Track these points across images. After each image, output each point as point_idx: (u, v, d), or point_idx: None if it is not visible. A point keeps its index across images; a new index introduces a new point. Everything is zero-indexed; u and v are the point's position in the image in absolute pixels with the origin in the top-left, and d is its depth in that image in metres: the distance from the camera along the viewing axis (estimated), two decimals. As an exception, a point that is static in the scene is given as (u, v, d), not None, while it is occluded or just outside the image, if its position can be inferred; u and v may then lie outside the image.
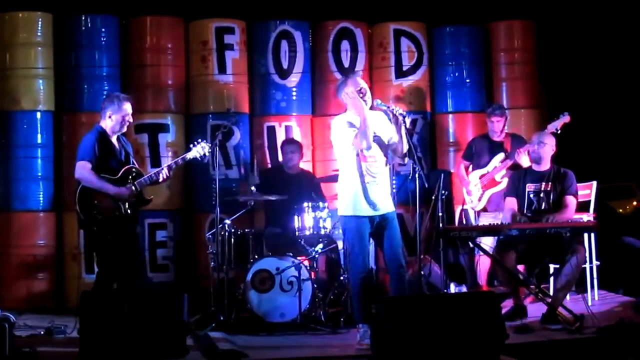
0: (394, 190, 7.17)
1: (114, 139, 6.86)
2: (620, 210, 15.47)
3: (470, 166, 8.42)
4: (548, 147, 7.35)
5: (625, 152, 15.08)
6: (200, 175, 8.56)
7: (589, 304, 7.39)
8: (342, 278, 7.50)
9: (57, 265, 8.47)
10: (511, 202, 7.33)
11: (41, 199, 8.40)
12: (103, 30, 8.58)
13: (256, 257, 7.39)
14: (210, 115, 8.69)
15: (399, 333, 5.57)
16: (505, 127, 8.39)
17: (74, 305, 7.82)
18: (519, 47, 9.30)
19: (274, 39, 8.90)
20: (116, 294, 6.47)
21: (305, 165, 8.65)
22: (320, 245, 7.49)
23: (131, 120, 6.90)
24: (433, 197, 7.52)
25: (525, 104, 9.26)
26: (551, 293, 7.36)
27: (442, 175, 7.88)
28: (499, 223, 7.17)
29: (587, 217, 7.80)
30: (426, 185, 6.56)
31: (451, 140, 9.22)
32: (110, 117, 6.80)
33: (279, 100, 8.92)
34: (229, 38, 8.78)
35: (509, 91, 9.30)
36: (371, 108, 6.50)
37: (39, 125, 8.43)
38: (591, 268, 7.90)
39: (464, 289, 8.14)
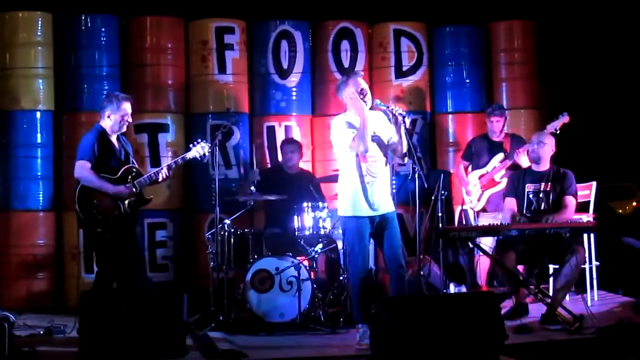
0: (394, 190, 7.17)
1: (113, 139, 6.86)
2: (620, 211, 15.47)
3: (470, 166, 8.42)
4: (548, 147, 7.35)
5: (625, 153, 15.10)
6: (200, 175, 8.56)
7: (589, 304, 7.40)
8: (341, 278, 7.51)
9: (56, 264, 8.46)
10: (510, 203, 7.33)
11: (41, 198, 8.40)
12: (103, 30, 8.58)
13: (256, 257, 7.38)
14: (210, 115, 8.69)
15: (399, 333, 5.57)
16: (505, 127, 8.40)
17: (73, 305, 7.83)
18: (518, 47, 9.30)
19: (274, 39, 8.90)
20: (116, 294, 6.47)
21: (305, 165, 8.65)
22: (320, 245, 7.49)
23: (130, 120, 6.90)
24: (433, 197, 7.53)
25: (525, 104, 9.26)
26: (551, 293, 7.37)
27: (442, 175, 7.89)
28: (499, 223, 7.17)
29: (587, 217, 7.80)
30: (426, 186, 6.57)
31: (451, 140, 9.22)
32: (109, 116, 6.81)
33: (278, 100, 8.92)
34: (229, 38, 8.78)
35: (508, 91, 9.29)
36: (371, 108, 6.50)
37: (38, 124, 8.43)
38: (591, 268, 7.90)
39: (463, 289, 8.14)
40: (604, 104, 14.82)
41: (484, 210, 8.22)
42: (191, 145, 7.09)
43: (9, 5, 8.46)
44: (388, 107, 6.46)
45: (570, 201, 7.21)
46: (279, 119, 8.90)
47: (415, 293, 6.69)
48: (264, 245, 7.59)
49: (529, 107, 9.25)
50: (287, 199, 7.76)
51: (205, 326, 7.02)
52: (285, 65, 8.91)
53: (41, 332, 6.88)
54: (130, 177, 6.81)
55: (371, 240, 6.55)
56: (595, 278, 7.97)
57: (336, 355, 6.24)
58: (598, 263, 7.97)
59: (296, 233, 7.56)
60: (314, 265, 7.45)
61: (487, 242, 7.45)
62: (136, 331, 5.81)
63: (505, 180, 7.97)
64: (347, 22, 9.10)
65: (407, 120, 6.46)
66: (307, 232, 7.54)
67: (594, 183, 8.11)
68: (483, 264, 8.06)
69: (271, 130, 8.88)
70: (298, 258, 7.31)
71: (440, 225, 7.22)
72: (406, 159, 6.55)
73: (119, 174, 6.77)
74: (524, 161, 7.94)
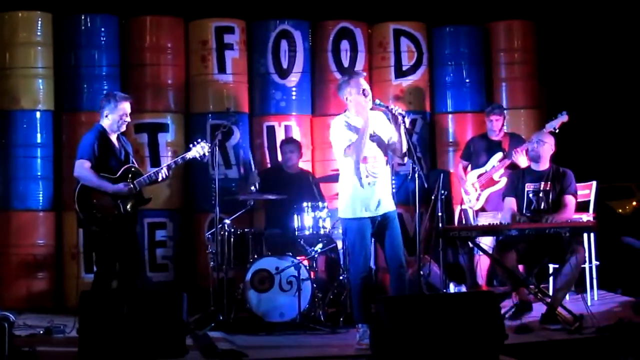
0: (394, 190, 7.17)
1: (113, 138, 6.86)
2: (620, 211, 15.47)
3: (469, 166, 8.42)
4: (547, 146, 7.34)
5: (625, 153, 15.09)
6: (199, 175, 8.56)
7: (589, 304, 7.39)
8: (341, 278, 7.51)
9: (56, 264, 8.46)
10: (510, 202, 7.32)
11: (41, 198, 8.40)
12: (103, 29, 8.58)
13: (255, 256, 7.38)
14: (210, 115, 8.69)
15: (399, 333, 5.56)
16: (504, 127, 8.40)
17: (73, 304, 7.83)
18: (518, 47, 9.30)
19: (274, 39, 8.89)
20: (115, 294, 6.47)
21: (304, 165, 8.64)
22: (320, 245, 7.49)
23: (129, 119, 6.90)
24: (432, 197, 7.53)
25: (525, 104, 9.26)
26: (550, 293, 7.37)
27: (442, 175, 7.89)
28: (498, 223, 7.17)
29: (587, 217, 7.80)
30: (425, 185, 6.56)
31: (451, 140, 9.21)
32: (107, 116, 6.81)
33: (278, 100, 8.92)
34: (228, 38, 8.78)
35: (508, 91, 9.29)
36: (371, 108, 6.49)
37: (38, 124, 8.43)
38: (590, 268, 7.90)
39: (463, 288, 8.14)
40: (604, 103, 14.81)
41: (483, 209, 8.23)
42: (191, 145, 7.09)
43: (8, 5, 8.46)
44: (388, 106, 6.45)
45: (570, 200, 7.20)
46: (278, 119, 8.89)
47: (415, 293, 6.68)
48: (263, 245, 7.58)
49: (529, 107, 9.25)
50: (287, 199, 7.76)
51: (205, 326, 7.02)
52: (285, 65, 8.91)
53: (41, 332, 6.88)
54: (129, 176, 6.81)
55: (372, 239, 6.55)
56: (595, 278, 7.97)
57: (336, 355, 6.24)
58: (598, 263, 7.97)
59: (296, 233, 7.56)
60: (314, 265, 7.45)
61: (487, 242, 7.45)
62: (136, 331, 5.81)
63: (504, 179, 7.97)
64: (347, 22, 9.10)
65: (407, 120, 6.45)
66: (307, 232, 7.53)
67: (594, 183, 8.11)
68: (483, 264, 8.06)
69: (271, 130, 8.88)
70: (298, 258, 7.31)
71: (440, 225, 7.22)
72: (406, 159, 6.54)
73: (118, 173, 6.77)
74: (522, 161, 7.94)
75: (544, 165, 7.34)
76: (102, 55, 8.56)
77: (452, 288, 8.04)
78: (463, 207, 8.46)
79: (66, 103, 8.58)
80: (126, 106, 6.85)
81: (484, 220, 7.94)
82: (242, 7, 9.05)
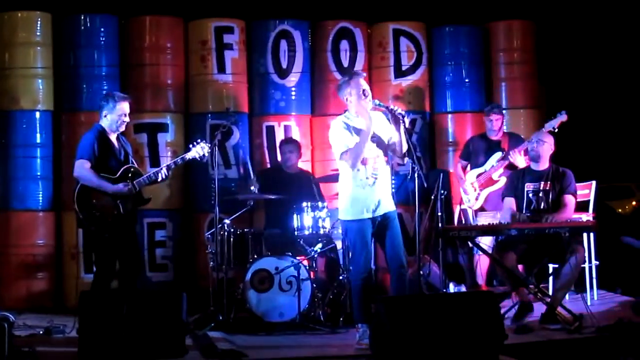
0: (393, 190, 7.16)
1: (113, 138, 6.86)
2: (620, 210, 15.46)
3: (468, 166, 8.42)
4: (547, 145, 7.34)
5: (625, 152, 15.08)
6: (199, 175, 8.56)
7: (588, 303, 7.39)
8: (341, 278, 7.50)
9: (56, 264, 8.46)
10: (510, 202, 7.32)
11: (40, 198, 8.40)
12: (102, 29, 8.58)
13: (255, 256, 7.38)
14: (210, 115, 8.69)
15: (398, 333, 5.56)
16: (503, 126, 8.41)
17: (73, 304, 7.84)
18: (518, 47, 9.30)
19: (273, 39, 8.89)
20: (115, 294, 6.47)
21: (304, 165, 8.64)
22: (320, 245, 7.49)
23: (128, 119, 6.90)
24: (432, 197, 7.53)
25: (525, 104, 9.27)
26: (550, 293, 7.37)
27: (441, 175, 7.89)
28: (497, 223, 7.17)
29: (587, 217, 7.79)
30: (425, 185, 6.56)
31: (450, 140, 9.21)
32: (105, 116, 6.82)
33: (278, 99, 8.92)
34: (228, 38, 8.77)
35: (508, 91, 9.30)
36: (371, 108, 6.48)
37: (38, 124, 8.43)
38: (590, 268, 7.91)
39: (463, 288, 8.14)
40: (604, 103, 14.80)
41: (482, 209, 8.22)
42: (191, 146, 7.09)
43: (8, 5, 8.46)
44: (388, 107, 6.44)
45: (570, 200, 7.20)
46: (278, 119, 8.89)
47: (414, 293, 6.68)
48: (263, 245, 7.58)
49: (529, 107, 9.26)
50: (286, 199, 7.76)
51: (204, 326, 7.02)
52: (284, 64, 8.91)
53: (41, 332, 6.87)
54: (129, 177, 6.80)
55: (372, 240, 6.54)
56: (594, 277, 7.97)
57: (335, 355, 6.24)
58: (597, 262, 7.97)
59: (296, 233, 7.55)
60: (314, 265, 7.46)
61: (486, 242, 7.45)
62: (136, 331, 5.81)
63: (503, 179, 7.97)
64: (347, 21, 9.10)
65: (407, 120, 6.45)
66: (306, 232, 7.53)
67: (594, 182, 8.11)
68: (483, 264, 8.06)
69: (270, 130, 8.87)
70: (297, 258, 7.31)
71: (440, 224, 7.22)
72: (406, 159, 6.53)
73: (118, 173, 6.77)
74: (519, 161, 7.94)
75: (544, 165, 7.34)
76: (102, 55, 8.56)
77: (451, 288, 8.04)
78: (462, 207, 8.46)
79: (66, 103, 8.58)
80: (125, 106, 6.84)
81: (483, 220, 7.94)
82: (242, 7, 9.05)
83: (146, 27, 8.70)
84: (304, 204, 7.55)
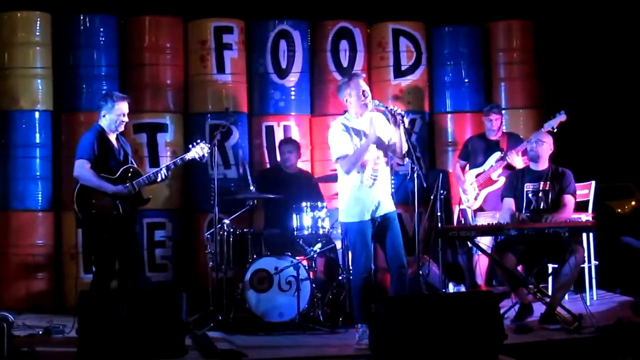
0: (393, 190, 7.16)
1: (112, 138, 6.86)
2: (619, 210, 15.48)
3: (467, 166, 8.42)
4: (546, 145, 7.34)
5: (624, 152, 15.10)
6: (198, 175, 8.56)
7: (588, 303, 7.40)
8: (340, 278, 7.50)
9: (55, 264, 8.46)
10: (509, 203, 7.32)
11: (40, 198, 8.39)
12: (102, 29, 8.57)
13: (255, 256, 7.38)
14: (209, 115, 8.69)
15: (398, 333, 5.56)
16: (502, 126, 8.41)
17: (72, 304, 7.84)
18: (517, 47, 9.30)
19: (273, 39, 8.89)
20: (114, 294, 6.47)
21: (303, 165, 8.64)
22: (319, 245, 7.49)
23: (126, 119, 6.89)
24: (432, 197, 7.52)
25: (524, 104, 9.27)
26: (550, 293, 7.37)
27: (441, 175, 7.88)
28: (497, 223, 7.17)
29: (586, 217, 7.79)
30: (425, 185, 6.55)
31: (450, 140, 9.21)
32: (104, 116, 6.81)
33: (277, 100, 8.92)
34: (227, 38, 8.77)
35: (507, 91, 9.30)
36: (370, 109, 6.48)
37: (37, 124, 8.43)
38: (590, 268, 7.91)
39: (462, 288, 8.14)
40: (603, 103, 14.82)
41: (481, 209, 8.22)
42: (190, 146, 7.09)
43: (7, 5, 8.46)
44: (387, 107, 6.44)
45: (569, 200, 7.20)
46: (277, 119, 8.89)
47: (414, 292, 6.68)
48: (262, 245, 7.58)
49: (528, 107, 9.25)
50: (285, 199, 7.75)
51: (204, 326, 7.02)
52: (284, 64, 8.90)
53: (40, 332, 6.87)
54: (129, 177, 6.80)
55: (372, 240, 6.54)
56: (594, 277, 7.97)
57: (335, 355, 6.24)
58: (597, 262, 7.97)
59: (295, 233, 7.55)
60: (313, 265, 7.45)
61: (485, 241, 7.44)
62: (135, 331, 5.81)
63: (502, 179, 7.97)
64: (346, 21, 9.10)
65: (406, 120, 6.45)
66: (306, 232, 7.53)
67: (593, 182, 8.11)
68: (482, 264, 8.06)
69: (270, 130, 8.87)
70: (297, 258, 7.30)
71: (439, 224, 7.22)
72: (406, 160, 6.54)
73: (117, 174, 6.77)
74: (517, 162, 7.94)
75: (543, 165, 7.34)
76: (101, 55, 8.56)
77: (451, 288, 8.04)
78: (461, 206, 8.46)
79: (65, 103, 8.58)
80: (123, 106, 6.84)
81: (483, 220, 7.94)
82: (241, 7, 9.05)
83: (146, 27, 8.70)
84: (304, 204, 7.54)
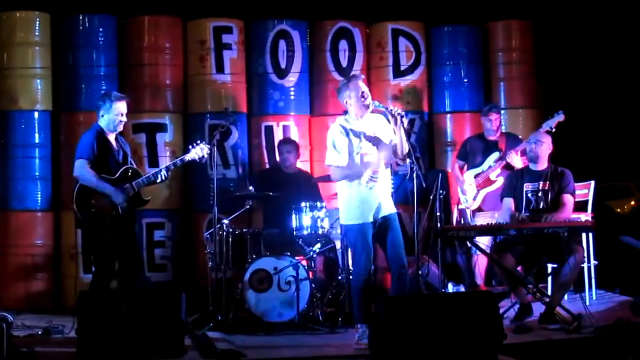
0: (392, 190, 7.16)
1: (111, 138, 6.85)
2: (618, 210, 15.49)
3: (465, 166, 8.42)
4: (545, 145, 7.34)
5: (624, 152, 15.11)
6: (198, 175, 8.56)
7: (587, 303, 7.40)
8: (340, 278, 7.50)
9: (54, 264, 8.46)
10: (509, 203, 7.32)
11: (39, 198, 8.39)
12: (101, 29, 8.57)
13: (254, 256, 7.38)
14: (208, 115, 8.69)
15: (397, 333, 5.56)
16: (501, 126, 8.41)
17: (71, 305, 7.83)
18: (516, 47, 9.31)
19: (272, 39, 8.89)
20: (114, 294, 6.47)
21: (303, 165, 8.64)
22: (318, 245, 7.49)
23: (125, 119, 6.88)
24: (431, 197, 7.52)
25: (523, 103, 9.27)
26: (549, 293, 7.37)
27: (440, 175, 7.87)
28: (495, 223, 7.17)
29: (585, 216, 7.79)
30: (424, 185, 6.55)
31: (449, 140, 9.21)
32: (103, 116, 6.81)
33: (276, 99, 8.92)
34: (226, 37, 8.77)
35: (506, 91, 9.30)
36: (371, 110, 6.48)
37: (36, 124, 8.43)
38: (589, 267, 7.91)
39: (461, 288, 8.14)
40: (602, 103, 14.83)
41: (479, 209, 8.22)
42: (190, 147, 7.08)
43: (6, 5, 8.46)
44: (387, 107, 6.44)
45: (569, 199, 7.20)
46: (277, 119, 8.89)
47: (413, 292, 6.68)
48: (262, 245, 7.58)
49: (527, 107, 9.26)
50: (285, 199, 7.75)
51: (203, 326, 7.02)
52: (283, 64, 8.90)
53: (39, 333, 6.87)
54: (128, 177, 6.80)
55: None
56: (593, 277, 7.98)
57: (335, 355, 6.24)
58: (596, 262, 7.98)
59: (294, 233, 7.55)
60: (312, 265, 7.46)
61: (484, 241, 7.44)
62: (134, 331, 5.81)
63: (500, 179, 7.98)
64: (345, 21, 9.10)
65: (405, 121, 6.44)
66: (305, 232, 7.53)
67: (593, 182, 8.11)
68: (481, 264, 8.06)
69: (269, 130, 8.87)
70: (296, 258, 7.30)
71: (439, 224, 7.22)
72: (407, 160, 6.53)
73: (117, 174, 6.76)
74: (516, 162, 7.94)
75: (543, 165, 7.35)
76: (100, 55, 8.56)
77: (450, 288, 8.04)
78: (460, 207, 8.46)
79: (64, 103, 8.58)
80: (121, 106, 6.82)
81: (482, 220, 7.94)
82: (241, 7, 9.05)
83: (145, 27, 8.70)
84: (303, 204, 7.55)
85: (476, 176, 8.24)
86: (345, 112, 6.54)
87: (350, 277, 6.80)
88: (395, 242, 6.40)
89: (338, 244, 7.63)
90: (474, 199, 8.23)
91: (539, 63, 9.40)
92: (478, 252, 7.55)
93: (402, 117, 6.33)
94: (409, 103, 9.03)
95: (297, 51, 8.92)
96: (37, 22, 8.46)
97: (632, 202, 16.24)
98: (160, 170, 6.92)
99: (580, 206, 7.80)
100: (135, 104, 7.91)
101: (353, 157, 6.37)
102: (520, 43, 9.30)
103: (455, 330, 5.64)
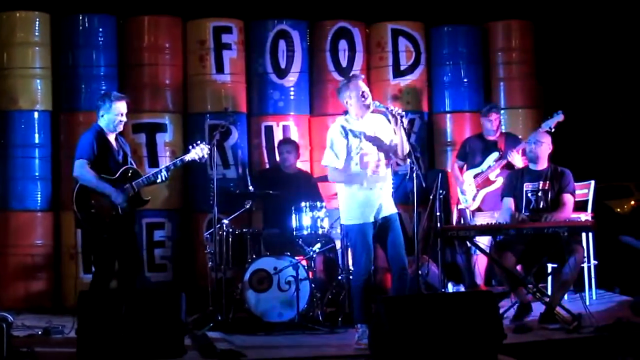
0: (392, 190, 7.16)
1: (111, 138, 6.85)
2: (618, 210, 15.50)
3: (465, 166, 8.42)
4: (545, 145, 7.34)
5: (623, 152, 15.11)
6: (198, 175, 8.56)
7: (587, 303, 7.40)
8: (339, 278, 7.50)
9: (54, 265, 8.45)
10: (509, 203, 7.32)
11: (39, 198, 8.39)
12: (100, 29, 8.57)
13: (254, 256, 7.38)
14: (208, 115, 8.68)
15: (397, 332, 5.56)
16: (501, 126, 8.41)
17: (71, 305, 7.83)
18: (516, 47, 9.31)
19: (272, 39, 8.89)
20: (114, 294, 6.47)
21: (302, 165, 8.64)
22: (318, 245, 7.49)
23: (125, 119, 6.87)
24: (431, 197, 7.52)
25: (523, 103, 9.27)
26: (549, 292, 7.37)
27: (440, 174, 7.87)
28: (495, 223, 7.17)
29: (585, 216, 7.79)
30: (424, 185, 6.56)
31: (449, 140, 9.21)
32: (102, 116, 6.81)
33: (276, 99, 8.92)
34: (226, 37, 8.77)
35: (506, 91, 9.30)
36: (371, 111, 6.48)
37: (36, 124, 8.43)
38: (589, 267, 7.91)
39: (461, 288, 8.14)
40: (602, 103, 14.83)
41: (479, 209, 8.23)
42: (190, 147, 7.08)
43: (6, 5, 8.45)
44: (387, 107, 6.44)
45: (568, 199, 7.20)
46: (276, 119, 8.89)
47: (413, 292, 6.68)
48: (262, 245, 7.58)
49: (527, 107, 9.26)
50: (284, 199, 7.75)
51: (203, 326, 7.02)
52: (283, 64, 8.90)
53: (39, 333, 6.87)
54: (128, 177, 6.80)
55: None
56: (593, 277, 7.98)
57: (334, 355, 6.24)
58: (596, 262, 7.98)
59: (294, 233, 7.55)
60: (312, 265, 7.45)
61: (484, 241, 7.44)
62: (134, 331, 5.81)
63: (500, 179, 7.98)
64: (345, 21, 9.10)
65: (405, 121, 6.44)
66: (305, 232, 7.53)
67: (593, 182, 8.11)
68: (481, 264, 8.06)
69: (269, 130, 8.87)
70: (296, 258, 7.30)
71: (439, 224, 7.22)
72: (407, 160, 6.54)
73: (117, 174, 6.76)
74: (517, 161, 7.94)
75: (542, 164, 7.35)
76: (100, 55, 8.56)
77: (450, 288, 8.04)
78: (459, 207, 8.46)
79: (64, 103, 8.58)
80: (121, 106, 6.82)
81: (481, 220, 7.94)
82: (240, 7, 9.05)
83: (144, 27, 8.70)
84: (303, 203, 7.54)
85: (476, 176, 8.24)
86: (346, 112, 6.53)
87: (350, 277, 6.81)
88: (396, 243, 6.40)
89: (338, 244, 7.63)
90: (474, 199, 8.23)
91: (539, 63, 9.40)
92: (478, 252, 7.55)
93: (402, 117, 6.33)
94: (408, 103, 9.03)
95: (296, 51, 8.92)
96: (37, 22, 8.46)
97: (632, 202, 16.24)
98: (160, 170, 6.92)
99: (580, 206, 7.80)
100: (135, 104, 7.90)
101: (352, 157, 6.37)
102: (520, 43, 9.30)
103: (455, 330, 5.64)
